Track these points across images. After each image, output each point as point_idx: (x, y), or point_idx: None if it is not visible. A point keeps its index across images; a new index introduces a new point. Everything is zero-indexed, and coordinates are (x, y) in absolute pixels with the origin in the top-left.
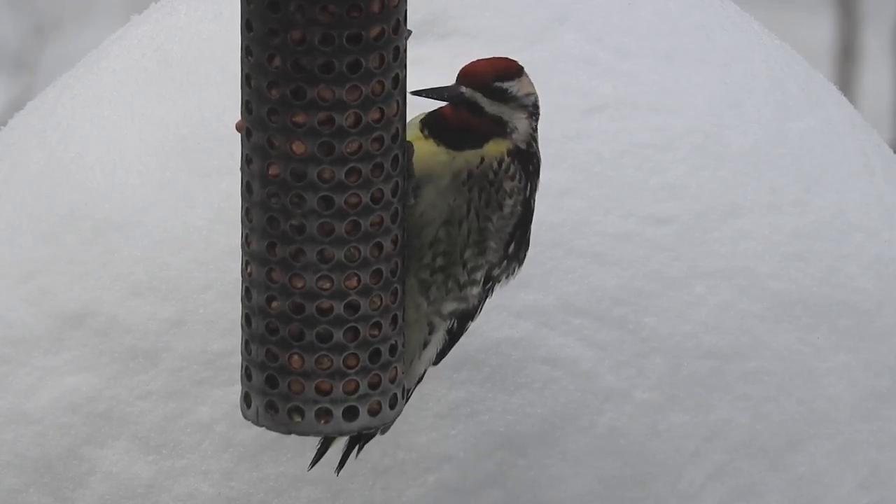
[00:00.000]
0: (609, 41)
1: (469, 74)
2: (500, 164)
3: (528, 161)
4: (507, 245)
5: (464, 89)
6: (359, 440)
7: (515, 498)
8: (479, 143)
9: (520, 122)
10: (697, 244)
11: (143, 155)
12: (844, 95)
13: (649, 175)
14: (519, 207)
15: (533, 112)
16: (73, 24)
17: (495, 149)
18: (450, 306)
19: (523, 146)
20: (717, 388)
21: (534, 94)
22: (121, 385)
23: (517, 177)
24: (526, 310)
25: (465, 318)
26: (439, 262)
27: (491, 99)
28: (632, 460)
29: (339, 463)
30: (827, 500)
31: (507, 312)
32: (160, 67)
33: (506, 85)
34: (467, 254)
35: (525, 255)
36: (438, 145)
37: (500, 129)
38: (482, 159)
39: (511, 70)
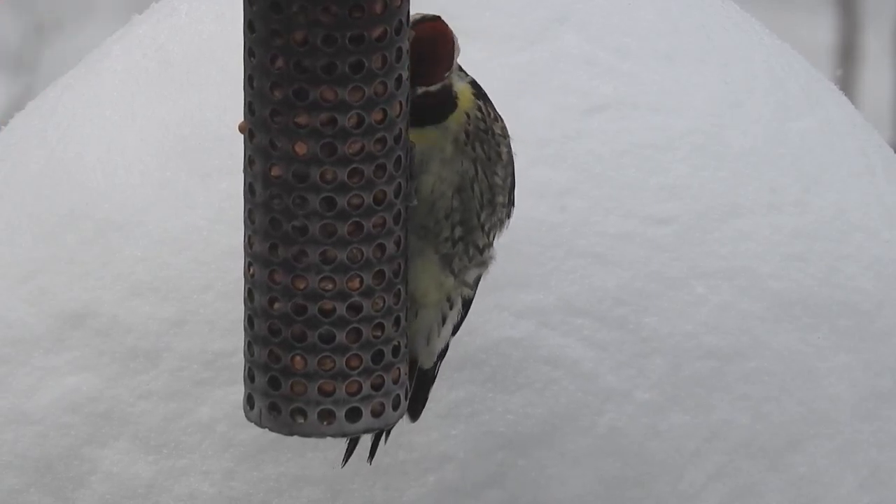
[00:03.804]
0: (609, 41)
1: (421, 74)
2: (480, 110)
3: (479, 88)
4: (507, 198)
5: (418, 90)
6: (382, 433)
7: (516, 498)
8: (452, 105)
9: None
10: (698, 244)
11: (143, 155)
12: (844, 95)
13: (650, 175)
14: (511, 151)
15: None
16: (73, 24)
17: (466, 100)
18: (474, 273)
19: (468, 78)
20: (717, 389)
21: (457, 42)
22: (121, 385)
23: (498, 117)
24: (527, 310)
25: (478, 280)
26: (458, 231)
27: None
28: (632, 460)
29: (370, 454)
30: (827, 501)
31: (507, 312)
32: (161, 67)
33: (453, 67)
34: (483, 215)
35: (513, 205)
36: (423, 127)
37: (449, 87)
38: (467, 115)
39: (453, 50)
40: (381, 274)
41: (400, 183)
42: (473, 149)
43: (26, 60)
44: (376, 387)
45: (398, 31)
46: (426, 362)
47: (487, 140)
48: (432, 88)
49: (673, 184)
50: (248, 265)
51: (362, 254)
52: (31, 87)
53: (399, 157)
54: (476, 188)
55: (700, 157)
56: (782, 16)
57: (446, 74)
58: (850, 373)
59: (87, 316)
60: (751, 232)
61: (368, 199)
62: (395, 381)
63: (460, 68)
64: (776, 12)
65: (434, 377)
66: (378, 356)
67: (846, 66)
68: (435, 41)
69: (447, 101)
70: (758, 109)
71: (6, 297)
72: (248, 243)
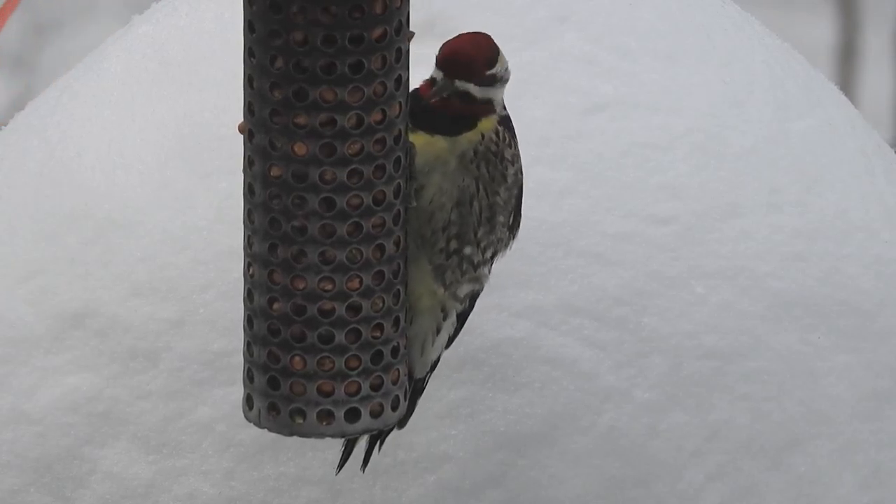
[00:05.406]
0: (609, 41)
1: (459, 66)
2: (497, 134)
3: (509, 123)
4: (510, 218)
5: (457, 83)
6: (379, 436)
7: (515, 498)
8: (472, 123)
9: (500, 94)
10: (698, 244)
11: (143, 155)
12: (844, 95)
13: (649, 175)
14: (519, 175)
15: (508, 80)
16: (73, 24)
17: (488, 123)
18: (465, 289)
19: (504, 112)
20: (717, 388)
21: (507, 62)
22: (121, 385)
23: (512, 143)
24: (526, 310)
25: (475, 298)
26: (453, 245)
27: (482, 86)
28: (632, 460)
29: (363, 462)
30: (827, 501)
31: (507, 312)
32: (161, 68)
33: (495, 70)
34: (480, 232)
35: (518, 228)
36: (433, 136)
37: (490, 108)
38: (482, 136)
39: (494, 53)
40: (380, 274)
41: (399, 183)
42: (478, 167)
43: (26, 60)
44: (375, 387)
45: (398, 32)
46: (419, 372)
47: (494, 162)
48: (476, 92)
49: (673, 184)
50: (247, 265)
51: (361, 254)
52: (31, 87)
53: (398, 157)
54: (476, 205)
55: (700, 157)
56: (782, 16)
57: (488, 72)
58: (850, 373)
59: (87, 316)
60: (751, 232)
61: (368, 199)
62: (395, 382)
63: (504, 107)
64: (776, 12)
65: (423, 389)
66: (377, 357)
67: (846, 66)
68: (473, 38)
69: (472, 114)
70: (758, 109)
71: (6, 297)
72: (248, 243)
